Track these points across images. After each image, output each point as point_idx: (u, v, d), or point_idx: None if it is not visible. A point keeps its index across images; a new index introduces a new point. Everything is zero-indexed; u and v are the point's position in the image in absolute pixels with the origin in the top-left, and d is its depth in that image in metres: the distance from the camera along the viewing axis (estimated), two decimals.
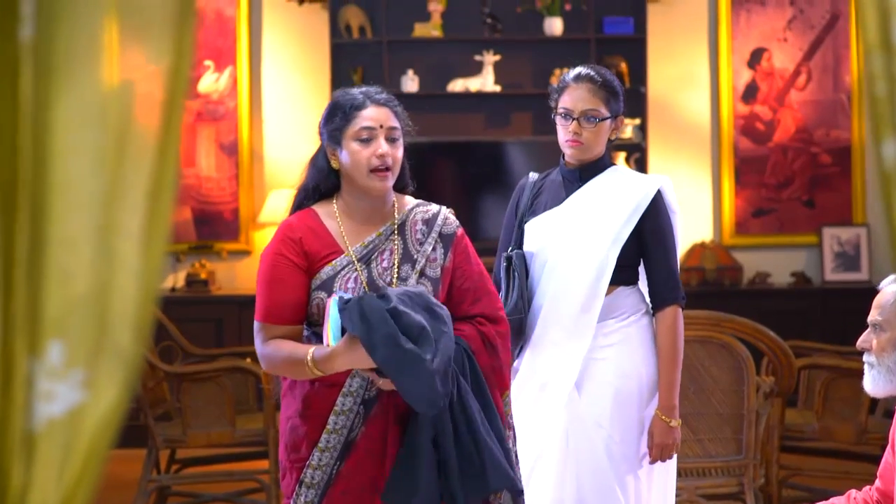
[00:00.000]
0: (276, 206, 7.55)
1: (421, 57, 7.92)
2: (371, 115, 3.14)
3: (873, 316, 3.11)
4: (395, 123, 3.16)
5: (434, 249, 3.17)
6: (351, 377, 3.04)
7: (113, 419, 1.09)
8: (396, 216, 3.20)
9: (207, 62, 8.00)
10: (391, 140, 3.14)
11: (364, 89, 3.20)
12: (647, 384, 3.78)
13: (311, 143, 8.15)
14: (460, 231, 3.24)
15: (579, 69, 3.83)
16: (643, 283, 3.90)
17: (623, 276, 3.81)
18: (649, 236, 3.78)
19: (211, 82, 8.01)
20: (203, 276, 7.78)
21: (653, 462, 3.74)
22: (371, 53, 7.83)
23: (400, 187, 3.26)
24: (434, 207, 3.26)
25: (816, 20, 7.92)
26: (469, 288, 3.18)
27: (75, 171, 1.10)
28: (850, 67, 7.91)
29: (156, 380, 5.96)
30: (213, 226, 8.01)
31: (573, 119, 3.77)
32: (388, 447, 3.03)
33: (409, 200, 3.26)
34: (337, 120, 3.16)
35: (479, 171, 7.76)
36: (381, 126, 3.13)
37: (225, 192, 8.00)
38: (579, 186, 3.86)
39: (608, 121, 3.80)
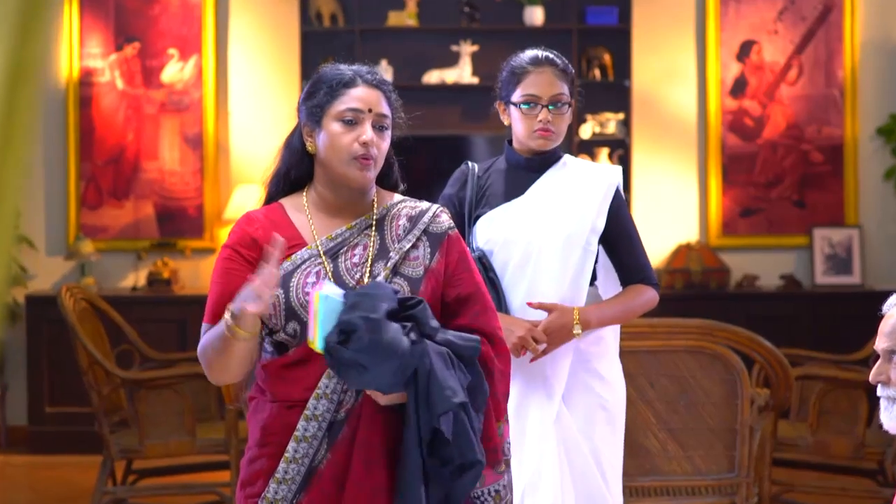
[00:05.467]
0: (242, 202, 7.40)
1: (395, 47, 7.81)
2: (360, 96, 2.79)
3: (888, 343, 2.81)
4: (386, 110, 2.81)
5: (416, 247, 2.81)
6: (315, 398, 2.70)
7: None
8: (375, 210, 2.85)
9: (172, 50, 7.83)
10: (379, 128, 2.80)
11: (355, 66, 2.85)
12: (622, 390, 3.71)
13: (279, 136, 7.94)
14: (454, 233, 2.87)
15: (534, 53, 3.67)
16: (599, 284, 3.77)
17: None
18: (615, 230, 3.66)
19: (175, 72, 7.83)
20: (165, 274, 7.62)
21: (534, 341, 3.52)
22: (343, 43, 7.71)
23: (388, 187, 2.94)
24: (423, 204, 2.90)
25: (808, 11, 7.83)
26: (468, 298, 2.82)
27: None
28: (844, 62, 7.82)
29: (111, 386, 5.79)
30: (176, 222, 7.84)
31: (542, 106, 3.59)
32: (352, 473, 2.70)
33: (394, 196, 2.92)
34: (320, 95, 2.81)
35: (454, 167, 7.53)
36: (370, 110, 2.78)
37: (189, 187, 7.83)
38: (536, 177, 3.68)
39: (569, 106, 3.65)
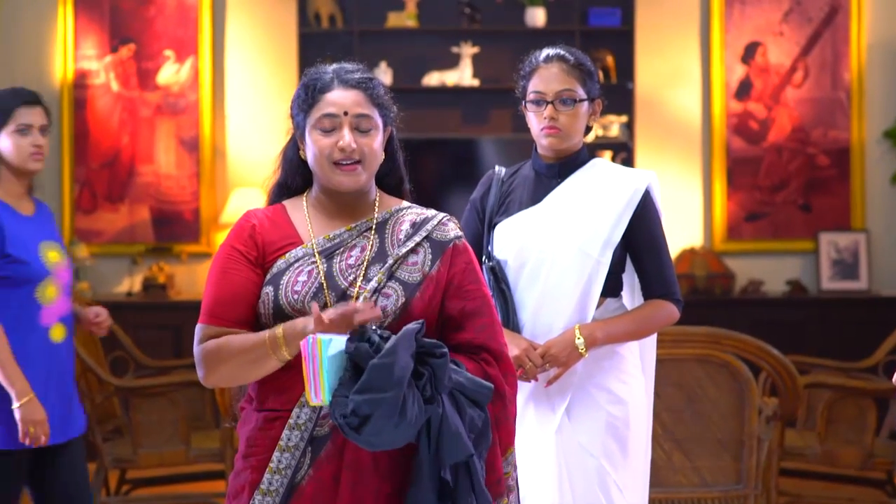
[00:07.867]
0: (239, 206, 7.34)
1: (395, 48, 7.74)
2: (335, 100, 2.70)
3: None
4: (366, 110, 2.71)
5: (415, 252, 2.71)
6: (299, 406, 2.63)
7: None
8: (377, 213, 2.77)
9: (168, 52, 7.75)
10: (360, 130, 2.70)
11: (338, 66, 2.76)
12: (640, 409, 3.59)
13: (276, 139, 7.88)
14: (462, 243, 2.77)
15: (547, 50, 3.57)
16: (626, 296, 3.66)
17: (608, 284, 3.53)
18: (640, 239, 3.53)
19: (171, 74, 7.74)
20: (161, 279, 7.53)
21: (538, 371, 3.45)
22: (341, 44, 7.60)
23: (392, 186, 2.86)
24: (430, 212, 2.81)
25: (814, 13, 7.76)
26: (474, 311, 2.72)
27: None
28: (850, 64, 7.76)
29: (105, 394, 5.75)
30: (172, 226, 7.76)
31: (547, 103, 3.50)
32: (339, 495, 2.61)
33: (402, 202, 2.83)
34: (301, 104, 2.75)
35: (455, 171, 7.55)
36: (346, 113, 2.69)
37: (185, 191, 7.74)
38: (558, 183, 3.57)
39: (585, 103, 3.55)
